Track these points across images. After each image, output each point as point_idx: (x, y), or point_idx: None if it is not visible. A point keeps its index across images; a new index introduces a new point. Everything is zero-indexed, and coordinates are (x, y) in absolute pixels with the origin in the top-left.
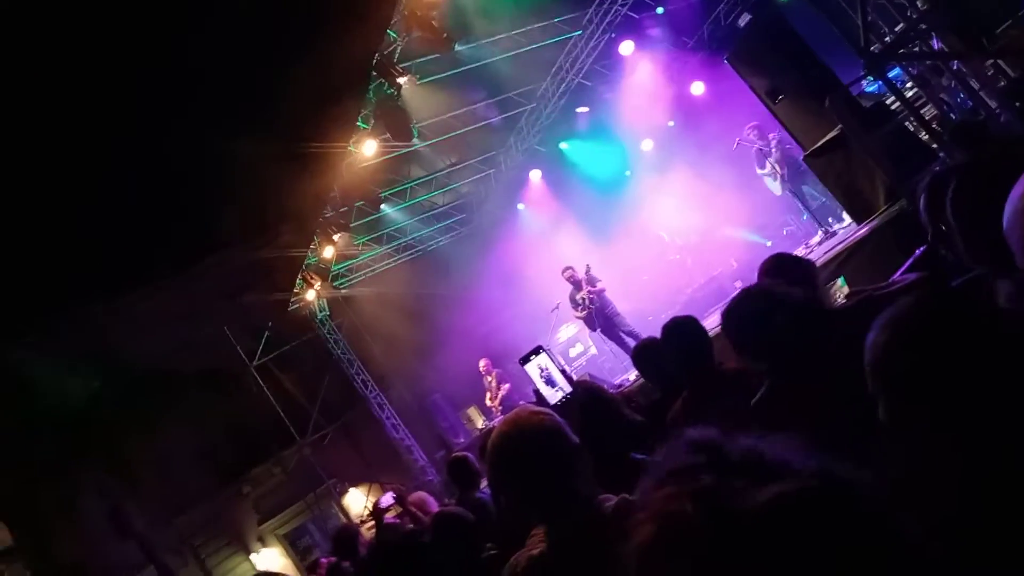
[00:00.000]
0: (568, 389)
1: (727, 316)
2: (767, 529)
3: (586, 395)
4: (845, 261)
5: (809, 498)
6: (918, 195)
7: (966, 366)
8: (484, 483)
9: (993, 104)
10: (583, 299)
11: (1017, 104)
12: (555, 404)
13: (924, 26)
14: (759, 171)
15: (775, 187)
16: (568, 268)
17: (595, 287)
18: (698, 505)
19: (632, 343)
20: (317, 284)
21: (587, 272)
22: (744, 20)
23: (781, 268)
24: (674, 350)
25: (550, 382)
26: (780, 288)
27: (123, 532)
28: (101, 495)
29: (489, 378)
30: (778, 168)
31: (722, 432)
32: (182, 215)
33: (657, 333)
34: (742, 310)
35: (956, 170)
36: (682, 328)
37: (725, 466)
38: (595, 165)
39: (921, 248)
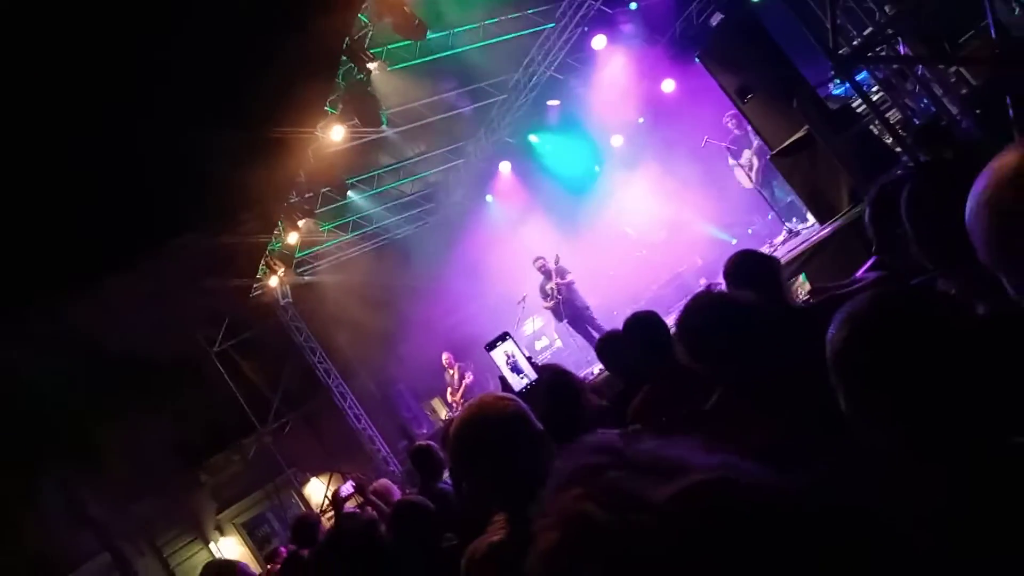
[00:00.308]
0: (533, 376)
1: (681, 325)
2: (673, 523)
3: (553, 377)
4: (808, 261)
5: (714, 490)
6: (865, 205)
7: (923, 359)
8: (447, 474)
9: (954, 110)
10: (552, 289)
11: (977, 111)
12: (520, 391)
13: (891, 31)
14: (732, 162)
15: (745, 180)
16: (539, 258)
17: (564, 279)
18: (603, 504)
19: (598, 336)
20: (280, 270)
21: (557, 263)
22: (716, 19)
23: (747, 265)
24: (635, 344)
25: (516, 369)
26: (734, 295)
27: (79, 519)
28: (59, 481)
29: (451, 371)
30: (756, 160)
31: (624, 436)
32: (144, 199)
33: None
34: (696, 319)
35: (911, 174)
36: (643, 322)
37: (628, 466)
38: (565, 159)
39: None
